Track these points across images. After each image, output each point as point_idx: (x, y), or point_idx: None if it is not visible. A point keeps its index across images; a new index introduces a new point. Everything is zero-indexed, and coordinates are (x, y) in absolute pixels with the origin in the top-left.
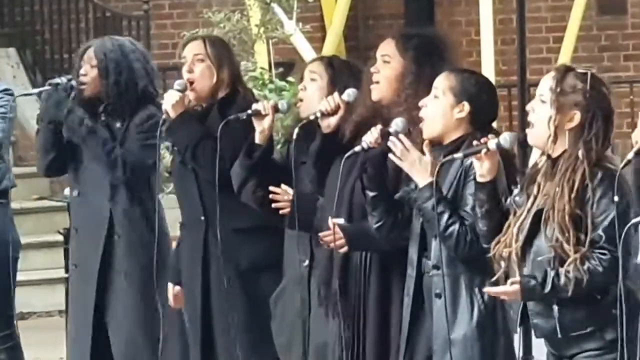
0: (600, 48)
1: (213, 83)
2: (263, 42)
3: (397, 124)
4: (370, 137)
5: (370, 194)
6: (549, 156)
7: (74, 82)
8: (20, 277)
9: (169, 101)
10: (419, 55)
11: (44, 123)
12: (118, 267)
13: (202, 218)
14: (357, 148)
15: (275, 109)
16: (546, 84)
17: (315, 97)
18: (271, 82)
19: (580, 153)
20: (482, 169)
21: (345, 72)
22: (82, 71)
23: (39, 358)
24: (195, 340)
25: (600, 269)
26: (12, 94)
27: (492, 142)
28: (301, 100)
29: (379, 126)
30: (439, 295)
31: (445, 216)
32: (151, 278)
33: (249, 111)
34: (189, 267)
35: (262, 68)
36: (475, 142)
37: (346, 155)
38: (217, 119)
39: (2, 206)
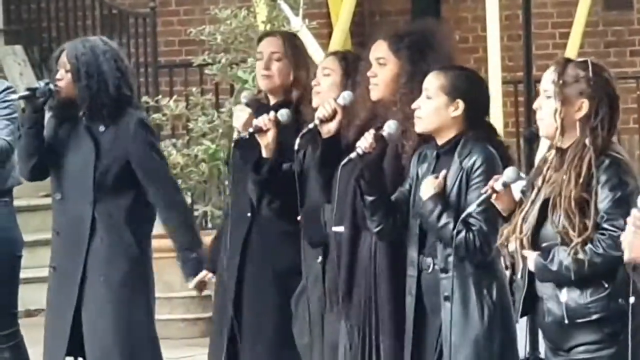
0: (606, 44)
1: (290, 81)
2: None
3: (389, 126)
4: (365, 143)
5: (369, 198)
6: (558, 149)
7: (52, 86)
8: (27, 274)
9: (240, 119)
10: (413, 54)
11: (25, 128)
12: (97, 271)
13: (249, 214)
14: (353, 154)
15: (277, 121)
16: (548, 79)
17: (330, 93)
18: None
19: (587, 141)
20: (500, 208)
21: (358, 70)
22: (58, 76)
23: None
24: (224, 333)
25: (599, 250)
26: (13, 91)
27: (498, 184)
28: (318, 92)
29: (372, 131)
30: (447, 298)
31: (451, 226)
32: (130, 283)
33: (251, 129)
34: (227, 259)
35: None
36: (482, 190)
37: (342, 162)
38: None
39: (6, 205)
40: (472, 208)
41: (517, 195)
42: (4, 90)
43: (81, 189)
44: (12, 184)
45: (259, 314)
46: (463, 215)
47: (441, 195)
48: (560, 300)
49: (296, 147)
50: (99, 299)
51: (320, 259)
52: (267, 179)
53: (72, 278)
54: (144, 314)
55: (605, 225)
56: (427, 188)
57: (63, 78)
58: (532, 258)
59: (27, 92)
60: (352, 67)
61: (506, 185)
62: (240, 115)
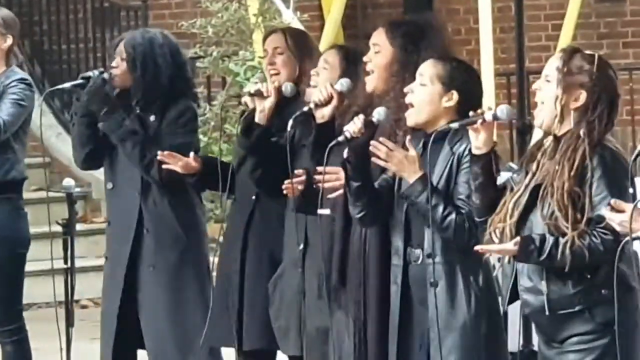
0: (599, 35)
1: (296, 73)
2: (261, 31)
3: (379, 113)
4: (354, 127)
5: (354, 184)
6: (555, 136)
7: (105, 75)
8: None
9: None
10: (407, 44)
11: (78, 116)
12: (147, 262)
13: (253, 197)
14: (341, 138)
15: (279, 91)
16: (553, 64)
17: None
18: None
19: (582, 132)
20: (478, 140)
21: (360, 65)
22: (113, 64)
23: (39, 348)
24: (232, 313)
25: (601, 247)
26: (29, 84)
27: (488, 113)
28: (314, 86)
29: (362, 115)
30: (435, 284)
31: (440, 208)
32: (180, 273)
33: (252, 91)
34: (230, 242)
35: (260, 57)
36: (471, 113)
37: (330, 145)
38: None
39: (10, 201)
40: (454, 125)
41: (500, 182)
42: (18, 80)
43: (130, 178)
44: (15, 177)
45: (255, 297)
46: (444, 127)
47: (427, 177)
48: (542, 291)
49: (289, 128)
50: (151, 290)
51: (301, 246)
52: (255, 145)
53: (120, 267)
54: (197, 301)
55: (609, 225)
56: (412, 167)
57: (118, 66)
58: (515, 248)
59: (80, 80)
60: (353, 66)
61: (496, 118)
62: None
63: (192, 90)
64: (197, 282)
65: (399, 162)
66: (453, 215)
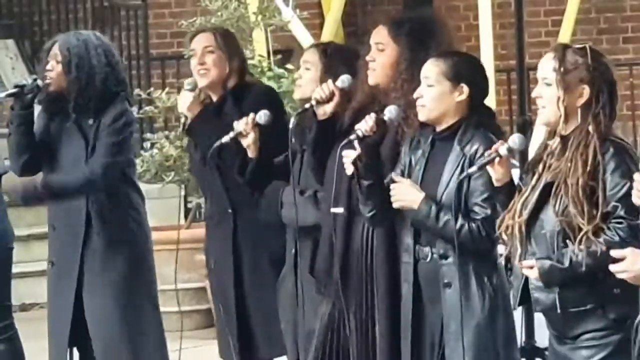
0: (599, 31)
1: (226, 73)
2: (261, 29)
3: (390, 111)
4: (365, 125)
5: (365, 182)
6: (561, 136)
7: (39, 82)
8: (22, 268)
9: (184, 103)
10: (412, 41)
11: (15, 126)
12: (96, 265)
13: (230, 211)
14: (352, 136)
15: (256, 124)
16: (548, 66)
17: (309, 87)
18: (270, 69)
19: (590, 128)
20: (497, 174)
21: (340, 59)
22: (48, 67)
23: (42, 347)
24: (231, 329)
25: (616, 238)
26: None
27: (502, 148)
28: (299, 86)
29: (373, 114)
30: (448, 285)
31: (452, 223)
32: (130, 274)
33: (231, 134)
34: (219, 259)
35: (260, 56)
36: (487, 152)
37: (342, 144)
38: (233, 109)
39: None
40: (473, 169)
41: (516, 180)
42: None
43: None
44: None
45: (259, 304)
46: (463, 175)
47: (429, 196)
48: (553, 289)
49: (291, 126)
50: (100, 293)
51: (293, 251)
52: (251, 180)
53: (69, 272)
54: (147, 303)
55: (621, 214)
56: (411, 194)
57: (53, 69)
58: (534, 265)
59: (15, 90)
60: (333, 60)
61: (510, 151)
62: (184, 99)
63: (126, 91)
64: (146, 283)
65: (400, 196)
66: (466, 226)
